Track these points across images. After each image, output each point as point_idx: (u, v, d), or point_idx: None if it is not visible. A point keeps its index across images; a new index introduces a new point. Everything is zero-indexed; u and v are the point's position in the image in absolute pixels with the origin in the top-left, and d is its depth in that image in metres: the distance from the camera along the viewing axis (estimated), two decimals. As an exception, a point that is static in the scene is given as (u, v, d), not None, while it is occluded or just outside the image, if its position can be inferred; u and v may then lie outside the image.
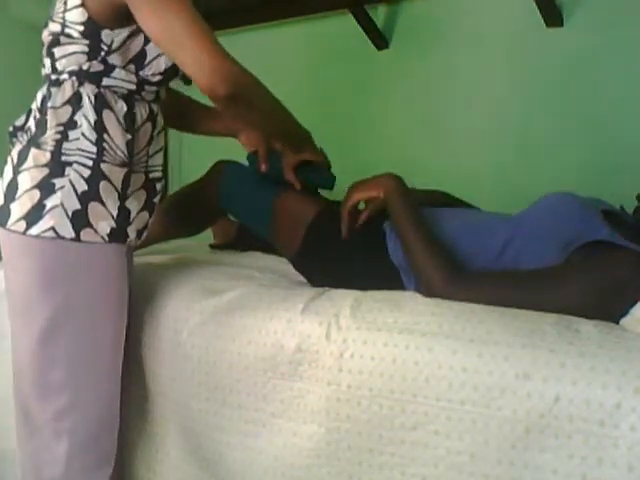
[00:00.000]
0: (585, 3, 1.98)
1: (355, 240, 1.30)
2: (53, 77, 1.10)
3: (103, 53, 1.07)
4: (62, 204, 1.03)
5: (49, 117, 1.07)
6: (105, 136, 1.06)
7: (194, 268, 1.35)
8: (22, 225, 1.04)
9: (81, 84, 1.07)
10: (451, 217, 1.25)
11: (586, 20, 1.98)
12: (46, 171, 1.05)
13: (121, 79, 1.09)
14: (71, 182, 1.04)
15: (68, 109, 1.07)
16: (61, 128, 1.06)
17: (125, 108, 1.10)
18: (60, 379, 1.08)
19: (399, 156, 2.37)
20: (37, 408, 1.10)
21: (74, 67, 1.07)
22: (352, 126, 2.48)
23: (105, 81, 1.08)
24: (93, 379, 1.11)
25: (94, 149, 1.06)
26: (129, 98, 1.11)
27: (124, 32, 1.07)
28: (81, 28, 1.05)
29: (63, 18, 1.06)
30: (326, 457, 1.01)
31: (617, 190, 1.73)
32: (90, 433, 1.11)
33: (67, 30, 1.06)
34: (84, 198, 1.05)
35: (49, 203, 1.03)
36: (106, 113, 1.07)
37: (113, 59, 1.08)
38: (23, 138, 1.10)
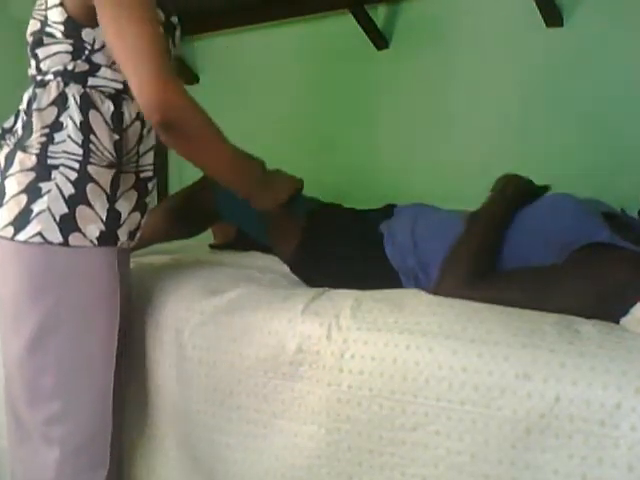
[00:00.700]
0: (585, 3, 1.97)
1: (352, 242, 1.30)
2: (38, 78, 1.08)
3: (87, 52, 1.05)
4: (49, 208, 1.02)
5: (34, 119, 1.05)
6: (92, 137, 1.04)
7: (194, 268, 1.35)
8: (10, 231, 1.02)
9: (66, 84, 1.06)
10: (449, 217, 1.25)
11: (586, 20, 1.97)
12: (32, 175, 1.03)
13: (107, 78, 1.07)
14: (58, 186, 1.02)
15: (53, 110, 1.05)
16: (46, 130, 1.04)
17: (112, 108, 1.07)
18: (50, 386, 1.07)
19: (399, 156, 2.38)
20: (27, 414, 1.09)
21: (59, 67, 1.06)
22: (352, 126, 2.47)
23: (91, 81, 1.06)
24: (84, 386, 1.09)
25: (80, 151, 1.04)
26: (116, 97, 1.08)
27: None
28: (62, 28, 1.03)
29: (45, 16, 1.05)
30: (326, 458, 1.01)
31: (617, 190, 1.74)
32: (82, 439, 1.10)
33: (49, 29, 1.05)
34: (71, 202, 1.03)
35: (36, 208, 1.02)
36: (92, 113, 1.05)
37: (98, 58, 1.06)
38: (10, 141, 1.09)
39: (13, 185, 1.04)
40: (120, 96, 1.09)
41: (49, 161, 1.04)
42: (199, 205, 1.47)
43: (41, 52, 1.07)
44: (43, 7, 1.06)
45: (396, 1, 2.34)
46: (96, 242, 1.05)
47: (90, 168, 1.05)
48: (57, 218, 1.02)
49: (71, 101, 1.05)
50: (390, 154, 2.40)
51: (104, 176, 1.06)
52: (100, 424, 1.12)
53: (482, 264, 1.09)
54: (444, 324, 0.97)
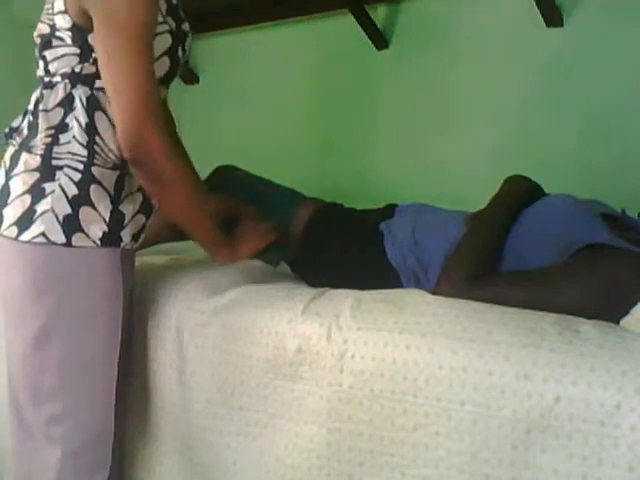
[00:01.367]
0: (585, 3, 1.97)
1: (352, 242, 1.31)
2: (46, 79, 1.09)
3: (94, 55, 1.04)
4: (52, 209, 1.02)
5: (40, 120, 1.05)
6: (97, 138, 1.05)
7: (195, 268, 1.35)
8: (14, 231, 1.02)
9: (74, 86, 1.06)
10: (451, 218, 1.25)
11: (586, 20, 1.97)
12: (37, 175, 1.04)
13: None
14: (61, 186, 1.03)
15: (60, 111, 1.06)
16: (52, 131, 1.05)
17: None
18: (52, 385, 1.07)
19: (399, 156, 2.38)
20: (30, 413, 1.09)
21: (66, 69, 1.06)
22: (352, 126, 2.48)
23: (98, 83, 1.06)
24: (87, 386, 1.09)
25: (85, 152, 1.04)
26: None
27: None
28: (69, 33, 1.04)
29: (52, 20, 1.05)
30: (327, 458, 1.01)
31: (617, 190, 1.74)
32: (84, 439, 1.10)
33: (58, 33, 1.05)
34: (75, 202, 1.03)
35: (39, 208, 1.02)
36: (98, 115, 1.05)
37: None
38: (16, 141, 1.09)
39: (18, 185, 1.04)
40: None
41: (53, 162, 1.04)
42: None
43: (49, 54, 1.07)
44: (51, 12, 1.06)
45: (396, 1, 2.34)
46: (99, 243, 1.05)
47: (94, 169, 1.05)
48: (60, 219, 1.02)
49: (77, 103, 1.05)
50: (390, 154, 2.40)
51: (108, 178, 1.06)
52: (102, 424, 1.12)
53: (483, 265, 1.09)
54: (444, 324, 0.97)
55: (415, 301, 1.06)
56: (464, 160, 2.23)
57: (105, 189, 1.06)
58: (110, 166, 1.06)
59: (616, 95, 1.94)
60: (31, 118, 1.08)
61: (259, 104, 2.62)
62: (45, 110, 1.06)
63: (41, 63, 1.10)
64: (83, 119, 1.04)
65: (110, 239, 1.06)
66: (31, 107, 1.09)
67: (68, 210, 1.03)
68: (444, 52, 2.26)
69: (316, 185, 1.60)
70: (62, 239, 1.02)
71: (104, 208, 1.05)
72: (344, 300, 1.09)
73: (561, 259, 1.06)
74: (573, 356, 0.87)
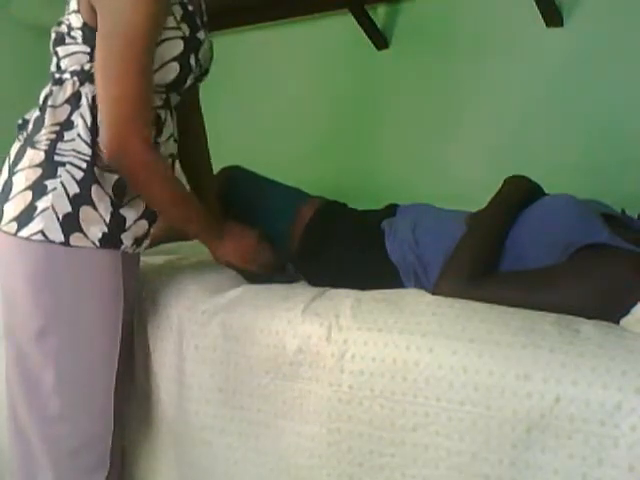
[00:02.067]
0: (585, 3, 1.97)
1: (354, 239, 1.31)
2: (56, 75, 1.09)
3: None
4: (53, 206, 1.02)
5: (47, 116, 1.05)
6: (99, 139, 1.04)
7: (195, 268, 1.35)
8: (13, 226, 1.02)
9: (82, 84, 1.06)
10: (454, 217, 1.25)
11: (586, 20, 1.97)
12: (39, 171, 1.03)
13: None
14: (63, 184, 1.02)
15: (67, 108, 1.06)
16: (57, 127, 1.05)
17: None
18: (49, 385, 1.06)
19: (399, 155, 2.38)
20: (26, 414, 1.08)
21: (76, 67, 1.06)
22: (352, 126, 2.47)
23: None
24: (84, 387, 1.09)
25: (89, 151, 1.04)
26: None
27: None
28: (80, 32, 1.05)
29: (68, 20, 1.07)
30: (327, 458, 1.01)
31: (617, 191, 1.74)
32: (81, 440, 1.09)
33: (72, 32, 1.06)
34: (76, 201, 1.03)
35: (40, 205, 1.02)
36: None
37: None
38: (22, 136, 1.09)
39: (21, 181, 1.04)
40: None
41: (56, 158, 1.04)
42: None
43: (61, 50, 1.08)
44: (67, 11, 1.08)
45: (396, 1, 2.34)
46: (98, 244, 1.05)
47: (96, 169, 1.04)
48: (60, 217, 1.02)
49: (84, 100, 1.05)
50: (390, 154, 2.40)
51: (108, 180, 1.06)
52: (100, 426, 1.11)
53: (483, 265, 1.09)
54: (444, 324, 0.97)
55: (415, 301, 1.06)
56: (464, 160, 2.22)
57: (105, 191, 1.05)
58: (110, 168, 1.05)
59: (616, 95, 1.94)
60: (38, 113, 1.08)
61: (259, 104, 2.62)
62: (53, 106, 1.06)
63: (54, 59, 1.10)
64: (88, 118, 1.04)
65: (110, 241, 1.06)
66: (40, 103, 1.09)
67: (68, 209, 1.02)
68: (444, 52, 2.26)
69: (316, 185, 1.60)
70: (60, 238, 1.02)
71: (104, 209, 1.05)
72: (344, 300, 1.09)
73: (561, 259, 1.06)
74: (573, 356, 0.87)
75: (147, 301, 1.23)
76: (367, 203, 1.51)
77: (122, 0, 0.98)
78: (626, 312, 0.98)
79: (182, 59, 1.08)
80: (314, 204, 1.40)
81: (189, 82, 1.13)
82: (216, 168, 1.44)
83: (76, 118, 1.05)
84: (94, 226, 1.04)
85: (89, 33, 1.04)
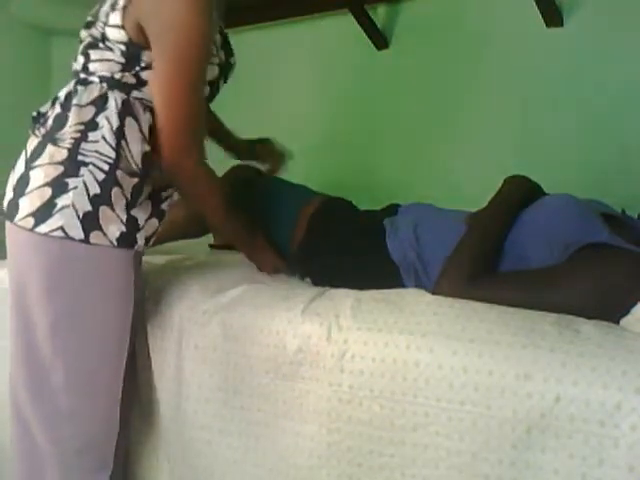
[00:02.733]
0: (585, 3, 1.97)
1: (355, 237, 1.31)
2: (82, 76, 1.09)
3: (138, 68, 1.07)
4: (73, 204, 1.02)
5: (71, 114, 1.06)
6: (123, 143, 1.05)
7: (195, 268, 1.35)
8: (30, 221, 1.02)
9: (110, 89, 1.07)
10: (455, 217, 1.25)
11: (586, 20, 1.98)
12: (61, 169, 1.04)
13: (150, 94, 1.09)
14: (84, 183, 1.03)
15: (92, 109, 1.06)
16: (82, 127, 1.05)
17: (151, 120, 1.09)
18: (57, 385, 1.06)
19: (399, 155, 2.38)
20: (31, 413, 1.08)
21: (106, 73, 1.07)
22: (352, 126, 2.48)
23: (134, 93, 1.08)
24: (92, 386, 1.09)
25: (113, 154, 1.05)
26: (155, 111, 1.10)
27: None
28: (123, 47, 1.06)
29: (104, 30, 1.07)
30: (326, 458, 1.01)
31: (617, 191, 1.74)
32: (86, 440, 1.09)
33: (108, 43, 1.07)
34: (95, 201, 1.03)
35: (60, 202, 1.02)
36: (129, 121, 1.06)
37: (147, 75, 1.07)
38: (40, 131, 1.09)
39: (39, 176, 1.04)
40: None
41: (79, 157, 1.04)
42: None
43: (94, 54, 1.08)
44: (104, 20, 1.07)
45: (396, 1, 2.34)
46: (116, 243, 1.05)
47: (118, 172, 1.05)
48: (80, 215, 1.02)
49: (111, 104, 1.06)
50: (390, 154, 2.40)
51: (128, 183, 1.07)
52: (106, 426, 1.12)
53: (483, 265, 1.09)
54: (444, 324, 0.97)
55: (415, 301, 1.06)
56: (464, 159, 2.23)
57: (123, 193, 1.06)
58: (130, 172, 1.07)
59: (616, 95, 1.94)
60: (59, 110, 1.08)
61: (258, 104, 2.62)
62: (78, 105, 1.06)
63: (81, 58, 1.10)
64: (115, 122, 1.05)
65: (126, 240, 1.07)
66: (61, 100, 1.09)
67: (88, 207, 1.03)
68: (444, 52, 2.26)
69: (316, 186, 1.60)
70: (80, 235, 1.02)
71: (121, 210, 1.06)
72: (344, 300, 1.09)
73: (561, 259, 1.06)
74: (573, 356, 0.87)
75: (148, 301, 1.23)
76: (367, 203, 1.51)
77: (180, 26, 1.02)
78: (626, 312, 0.98)
79: (215, 83, 1.17)
80: (315, 203, 1.40)
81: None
82: (218, 168, 1.44)
83: (101, 120, 1.06)
84: (113, 225, 1.05)
85: (133, 49, 1.06)
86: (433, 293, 1.07)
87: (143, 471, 1.25)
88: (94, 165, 1.04)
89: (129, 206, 1.07)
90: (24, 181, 1.05)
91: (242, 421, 1.10)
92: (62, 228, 1.01)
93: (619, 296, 0.99)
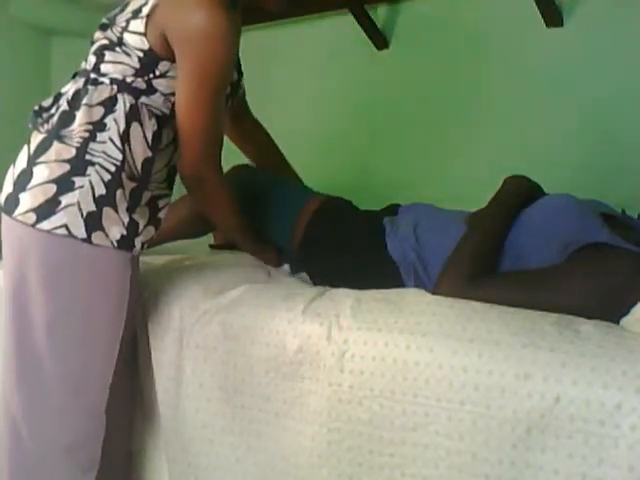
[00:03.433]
0: (585, 3, 1.97)
1: (355, 235, 1.31)
2: (92, 75, 1.09)
3: (152, 75, 1.08)
4: (78, 203, 1.02)
5: (80, 113, 1.06)
6: (127, 147, 1.06)
7: (196, 268, 1.35)
8: (31, 217, 1.02)
9: (120, 92, 1.08)
10: (454, 218, 1.25)
11: (586, 20, 1.97)
12: (67, 167, 1.04)
13: (159, 102, 1.10)
14: (91, 183, 1.03)
15: (101, 110, 1.07)
16: (90, 127, 1.05)
17: (156, 127, 1.10)
18: (48, 381, 1.07)
19: (399, 155, 2.38)
20: (20, 410, 1.08)
21: (117, 76, 1.08)
22: (351, 126, 2.48)
23: (143, 99, 1.09)
24: (83, 384, 1.09)
25: (120, 156, 1.05)
26: (162, 119, 1.12)
27: None
28: (140, 54, 1.07)
29: (122, 35, 1.07)
30: (327, 458, 1.01)
31: (617, 191, 1.74)
32: (74, 438, 1.09)
33: (124, 48, 1.07)
34: (100, 201, 1.04)
35: (65, 200, 1.02)
36: (134, 126, 1.07)
37: (158, 84, 1.09)
38: (44, 127, 1.09)
39: (43, 173, 1.04)
40: (166, 119, 1.12)
41: (87, 157, 1.04)
42: None
43: (109, 55, 1.09)
44: (123, 25, 1.08)
45: (396, 1, 2.34)
46: (116, 244, 1.06)
47: (123, 175, 1.06)
48: (84, 214, 1.03)
49: (120, 106, 1.07)
50: (390, 154, 2.40)
51: (128, 186, 1.07)
52: (94, 424, 1.11)
53: (483, 265, 1.09)
54: (444, 324, 0.97)
55: (415, 301, 1.06)
56: (464, 159, 2.22)
57: (125, 196, 1.07)
58: (130, 176, 1.07)
59: (616, 95, 1.94)
60: (67, 108, 1.08)
61: (258, 104, 2.62)
62: (88, 105, 1.06)
63: (93, 58, 1.11)
64: (122, 124, 1.06)
65: (126, 243, 1.07)
66: (68, 97, 1.09)
67: (92, 207, 1.03)
68: (444, 52, 2.26)
69: (316, 185, 1.60)
70: (83, 234, 1.03)
71: (123, 213, 1.07)
72: (344, 300, 1.09)
73: (561, 258, 1.06)
74: (573, 356, 0.87)
75: (149, 300, 1.23)
76: (367, 202, 1.51)
77: (207, 45, 1.04)
78: (626, 312, 0.98)
79: (225, 101, 1.18)
80: (316, 203, 1.40)
81: None
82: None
83: (109, 121, 1.06)
84: (114, 227, 1.05)
85: (151, 57, 1.07)
86: (433, 293, 1.07)
87: (145, 471, 1.25)
88: (101, 166, 1.04)
89: (130, 209, 1.08)
90: (26, 176, 1.05)
91: (243, 420, 1.10)
92: (66, 226, 1.02)
93: (619, 296, 0.99)
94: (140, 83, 1.08)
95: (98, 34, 1.12)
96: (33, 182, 1.04)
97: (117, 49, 1.08)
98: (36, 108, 1.13)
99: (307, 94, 2.58)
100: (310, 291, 1.17)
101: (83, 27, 1.99)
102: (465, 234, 1.14)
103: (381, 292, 1.12)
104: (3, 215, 1.08)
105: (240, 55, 1.38)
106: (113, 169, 1.05)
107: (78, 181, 1.03)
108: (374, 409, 0.97)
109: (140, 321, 1.22)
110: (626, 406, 0.82)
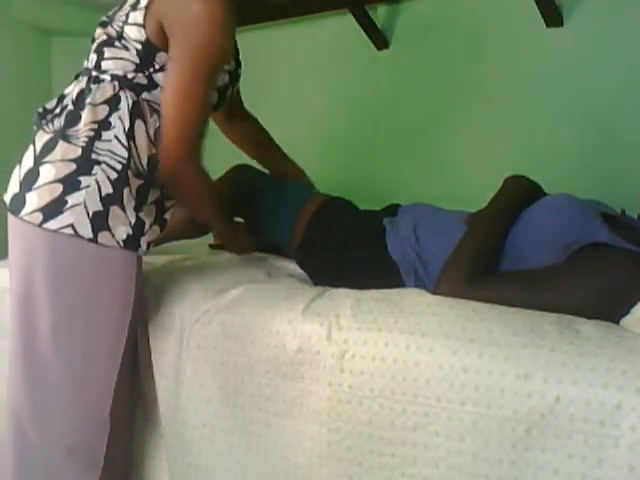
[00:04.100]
0: (585, 3, 1.98)
1: (355, 235, 1.31)
2: (94, 73, 1.09)
3: (151, 70, 1.07)
4: (85, 203, 1.02)
5: (85, 113, 1.06)
6: (132, 144, 1.06)
7: (197, 268, 1.36)
8: (38, 217, 1.02)
9: (121, 89, 1.08)
10: (454, 218, 1.25)
11: (586, 20, 1.98)
12: (73, 167, 1.04)
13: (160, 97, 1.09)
14: (97, 182, 1.04)
15: (105, 108, 1.07)
16: (95, 126, 1.05)
17: (158, 123, 1.09)
18: (53, 382, 1.07)
19: (399, 155, 2.38)
20: (25, 410, 1.09)
21: (118, 72, 1.08)
22: (351, 126, 2.48)
23: (145, 94, 1.09)
24: (88, 385, 1.09)
25: (126, 154, 1.05)
26: None
27: None
28: (139, 46, 1.06)
29: (122, 28, 1.07)
30: (327, 457, 1.01)
31: (616, 191, 1.74)
32: (78, 439, 1.10)
33: (124, 42, 1.07)
34: (107, 200, 1.04)
35: (71, 200, 1.02)
36: (138, 123, 1.07)
37: (159, 78, 1.08)
38: (49, 128, 1.09)
39: (50, 172, 1.04)
40: None
41: (93, 156, 1.05)
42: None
43: (108, 52, 1.09)
44: (123, 19, 1.08)
45: (396, 1, 2.34)
46: (122, 244, 1.06)
47: (129, 172, 1.06)
48: (90, 214, 1.03)
49: (123, 104, 1.07)
50: (390, 154, 2.40)
51: (135, 184, 1.08)
52: (98, 425, 1.11)
53: (483, 265, 1.09)
54: (444, 324, 0.97)
55: (415, 301, 1.06)
56: (464, 159, 2.23)
57: (131, 194, 1.07)
58: (136, 173, 1.07)
59: (616, 95, 1.94)
60: (71, 107, 1.08)
61: (257, 104, 2.62)
62: (92, 104, 1.06)
63: (94, 56, 1.11)
64: (126, 122, 1.06)
65: (132, 243, 1.07)
66: (73, 97, 1.09)
67: (99, 207, 1.03)
68: (444, 52, 2.26)
69: (316, 185, 1.61)
70: (89, 234, 1.03)
71: (130, 212, 1.07)
72: (344, 300, 1.09)
73: (561, 259, 1.06)
74: (573, 356, 0.87)
75: (149, 301, 1.23)
76: (367, 203, 1.51)
77: (200, 31, 1.03)
78: (626, 312, 0.98)
79: (223, 90, 1.17)
80: (316, 203, 1.40)
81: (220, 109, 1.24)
82: (219, 167, 1.45)
83: (114, 119, 1.06)
84: (121, 227, 1.05)
85: (148, 49, 1.06)
86: (433, 293, 1.08)
87: (145, 471, 1.25)
88: (107, 164, 1.04)
89: (137, 208, 1.08)
90: (33, 176, 1.05)
91: (244, 420, 1.10)
92: (72, 226, 1.02)
93: (619, 296, 0.99)
94: (141, 79, 1.08)
95: (98, 31, 1.12)
96: (40, 182, 1.04)
97: (116, 43, 1.08)
98: (40, 110, 1.13)
99: (307, 94, 2.58)
100: (310, 291, 1.17)
101: (83, 27, 2.00)
102: (465, 234, 1.14)
103: (381, 292, 1.12)
104: (10, 215, 1.08)
105: (240, 52, 1.39)
106: (119, 167, 1.05)
107: (84, 180, 1.03)
108: (374, 409, 0.97)
109: (140, 321, 1.22)
110: (626, 406, 0.82)
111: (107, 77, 1.08)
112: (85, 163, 1.04)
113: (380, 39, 2.38)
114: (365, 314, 1.04)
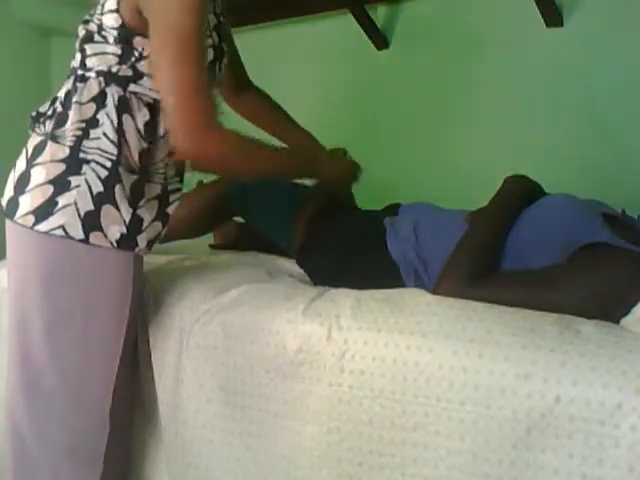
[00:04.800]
0: (585, 3, 1.98)
1: (355, 235, 1.32)
2: (79, 72, 1.09)
3: (133, 59, 1.06)
4: (75, 203, 1.02)
5: (72, 112, 1.05)
6: (122, 140, 1.05)
7: (197, 268, 1.36)
8: (30, 219, 1.02)
9: (107, 85, 1.06)
10: (453, 217, 1.25)
11: (586, 20, 1.98)
12: (62, 167, 1.03)
13: (148, 87, 1.08)
14: (87, 181, 1.03)
15: (92, 106, 1.06)
16: (82, 125, 1.05)
17: (148, 116, 1.08)
18: (51, 384, 1.06)
19: (399, 155, 2.38)
20: (23, 412, 1.08)
21: (103, 67, 1.06)
22: (352, 126, 2.48)
23: (132, 87, 1.07)
24: (85, 385, 1.09)
25: (115, 151, 1.04)
26: (154, 107, 1.09)
27: None
28: (115, 33, 1.05)
29: (100, 20, 1.06)
30: (327, 458, 1.01)
31: (617, 191, 1.74)
32: (78, 439, 1.09)
33: (103, 33, 1.06)
34: (98, 200, 1.03)
35: (62, 200, 1.02)
36: (125, 117, 1.06)
37: (142, 67, 1.07)
38: (40, 130, 1.09)
39: (40, 174, 1.04)
40: (158, 106, 1.09)
41: (81, 155, 1.04)
42: (214, 202, 1.51)
43: (89, 48, 1.07)
44: (99, 11, 1.07)
45: (396, 1, 2.34)
46: (115, 244, 1.05)
47: (120, 169, 1.05)
48: (82, 214, 1.02)
49: (110, 101, 1.06)
50: (390, 154, 2.40)
51: (128, 180, 1.06)
52: (97, 425, 1.11)
53: (483, 265, 1.09)
54: (444, 324, 0.97)
55: (415, 301, 1.06)
56: (464, 159, 2.23)
57: (125, 191, 1.06)
58: (129, 169, 1.06)
59: (616, 95, 1.94)
60: (60, 108, 1.08)
61: (259, 104, 2.62)
62: (79, 103, 1.06)
63: (78, 55, 1.10)
64: (114, 118, 1.05)
65: (127, 242, 1.06)
66: (61, 98, 1.09)
67: (90, 207, 1.02)
68: (444, 52, 2.27)
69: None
70: (80, 235, 1.02)
71: (125, 210, 1.05)
72: (344, 300, 1.09)
73: (561, 259, 1.06)
74: (573, 356, 0.87)
75: (149, 301, 1.23)
76: (367, 203, 1.51)
77: (171, 2, 0.99)
78: (626, 312, 0.98)
79: (211, 66, 1.12)
80: (316, 202, 1.41)
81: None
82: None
83: (102, 117, 1.05)
84: (113, 226, 1.04)
85: (125, 34, 1.04)
86: (433, 293, 1.07)
87: (145, 471, 1.25)
88: (96, 162, 1.04)
89: (133, 205, 1.07)
90: (25, 179, 1.05)
91: (244, 420, 1.10)
92: (63, 227, 1.01)
93: (619, 296, 0.99)
94: (126, 70, 1.06)
95: (80, 28, 1.11)
96: (31, 184, 1.04)
97: (96, 37, 1.06)
98: (33, 114, 1.12)
99: (307, 94, 2.58)
100: (310, 291, 1.17)
101: (83, 27, 1.99)
102: (465, 234, 1.14)
103: (381, 292, 1.12)
104: (6, 219, 1.08)
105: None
106: (109, 164, 1.04)
107: (74, 180, 1.03)
108: (374, 409, 0.97)
109: (140, 321, 1.22)
110: (626, 406, 0.82)
111: (92, 74, 1.07)
112: (74, 163, 1.03)
113: (380, 39, 2.38)
114: (365, 314, 1.04)
